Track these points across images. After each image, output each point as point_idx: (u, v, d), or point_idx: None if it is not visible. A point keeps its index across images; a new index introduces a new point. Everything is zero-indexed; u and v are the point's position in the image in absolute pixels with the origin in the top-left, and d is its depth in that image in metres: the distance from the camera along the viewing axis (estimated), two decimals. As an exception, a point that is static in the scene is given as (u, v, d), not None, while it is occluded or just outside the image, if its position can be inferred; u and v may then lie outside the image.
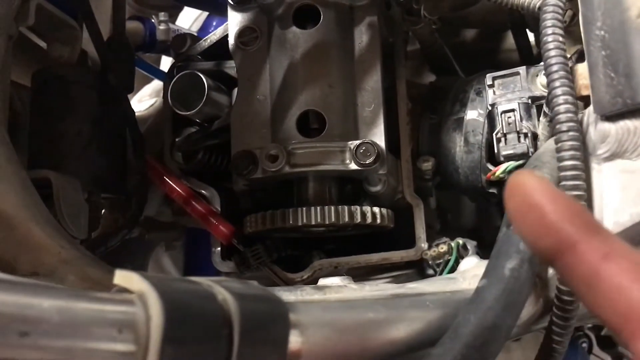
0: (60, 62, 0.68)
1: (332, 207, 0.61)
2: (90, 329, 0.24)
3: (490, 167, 0.64)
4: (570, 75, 0.46)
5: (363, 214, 0.63)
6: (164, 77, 0.80)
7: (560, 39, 0.47)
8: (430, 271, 0.67)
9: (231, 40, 0.67)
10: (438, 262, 0.65)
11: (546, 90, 0.50)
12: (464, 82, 0.71)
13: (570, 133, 0.44)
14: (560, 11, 0.48)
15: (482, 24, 0.84)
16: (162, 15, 0.92)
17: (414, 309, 0.42)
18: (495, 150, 0.62)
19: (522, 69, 0.62)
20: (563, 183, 0.44)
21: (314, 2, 0.64)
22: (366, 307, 0.40)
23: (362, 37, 0.66)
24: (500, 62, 0.84)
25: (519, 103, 0.61)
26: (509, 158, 0.60)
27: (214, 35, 0.73)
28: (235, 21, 0.68)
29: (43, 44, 0.70)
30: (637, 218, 0.44)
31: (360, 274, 0.71)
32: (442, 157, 0.69)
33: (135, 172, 0.71)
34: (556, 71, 0.45)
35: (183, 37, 0.75)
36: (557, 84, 0.45)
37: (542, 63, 0.48)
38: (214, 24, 1.08)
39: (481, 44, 0.87)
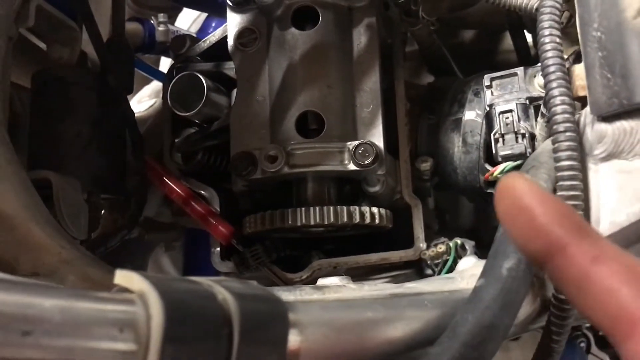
0: (60, 63, 0.68)
1: (331, 208, 0.62)
2: (91, 329, 0.24)
3: (488, 167, 0.64)
4: (567, 76, 0.46)
5: (362, 214, 0.63)
6: (163, 78, 0.80)
7: (557, 40, 0.47)
8: (429, 271, 0.68)
9: (230, 42, 0.68)
10: (436, 262, 0.65)
11: (544, 91, 0.51)
12: (462, 82, 0.71)
13: (567, 134, 0.45)
14: (558, 12, 0.48)
15: (480, 25, 0.84)
16: (162, 17, 0.93)
17: (412, 308, 0.42)
18: (493, 151, 0.62)
19: (519, 70, 0.63)
20: (560, 183, 0.44)
21: (313, 3, 0.64)
22: (365, 306, 0.40)
23: (360, 38, 0.66)
24: (498, 62, 0.84)
25: (516, 104, 0.61)
26: (506, 158, 0.61)
27: (213, 37, 0.74)
28: (234, 22, 0.68)
29: (43, 45, 0.70)
30: (633, 218, 0.45)
31: (359, 274, 0.71)
32: (441, 158, 0.69)
33: (134, 172, 0.71)
34: (553, 72, 0.46)
35: (182, 38, 0.76)
36: (554, 84, 0.45)
37: (539, 64, 0.48)
38: (213, 25, 1.08)
39: (479, 45, 0.87)
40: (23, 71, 0.68)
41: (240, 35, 0.67)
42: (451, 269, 0.64)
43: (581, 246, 0.27)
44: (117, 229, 0.71)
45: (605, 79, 0.44)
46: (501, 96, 0.63)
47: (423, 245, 0.66)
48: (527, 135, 0.60)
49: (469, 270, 0.57)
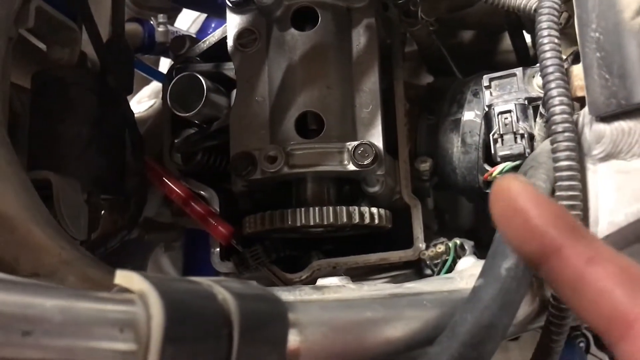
0: (60, 64, 0.68)
1: (331, 208, 0.62)
2: (91, 329, 0.24)
3: (488, 167, 0.64)
4: (566, 76, 0.46)
5: (361, 215, 0.63)
6: (163, 78, 0.80)
7: (556, 40, 0.47)
8: (428, 271, 0.68)
9: (230, 42, 0.68)
10: (436, 262, 0.65)
11: (542, 92, 0.51)
12: (461, 83, 0.71)
13: (566, 134, 0.45)
14: (556, 13, 0.49)
15: (479, 26, 0.84)
16: (161, 17, 0.93)
17: (411, 308, 0.42)
18: (492, 151, 0.62)
19: (518, 70, 0.63)
20: (559, 183, 0.45)
21: (312, 4, 0.64)
22: (364, 306, 0.40)
23: (359, 38, 0.66)
24: (497, 63, 0.84)
25: (515, 104, 0.62)
26: (505, 159, 0.61)
27: (212, 37, 0.74)
28: (233, 23, 0.68)
29: (42, 46, 0.70)
30: (632, 218, 0.45)
31: (359, 274, 0.71)
32: (440, 158, 0.69)
33: (134, 173, 0.71)
34: (552, 73, 0.46)
35: (182, 39, 0.76)
36: (552, 85, 0.46)
37: (538, 64, 0.48)
38: (213, 25, 1.08)
39: (478, 46, 0.87)
40: (23, 72, 0.69)
41: (239, 36, 0.67)
42: (450, 269, 0.64)
43: (576, 248, 0.27)
44: (117, 230, 0.71)
45: (603, 79, 0.44)
46: (500, 96, 0.63)
47: (422, 245, 0.66)
48: (525, 135, 0.60)
49: (468, 270, 0.57)
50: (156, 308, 0.25)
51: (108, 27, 0.76)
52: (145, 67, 0.92)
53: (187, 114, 0.67)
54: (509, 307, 0.40)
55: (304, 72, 0.64)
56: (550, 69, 0.46)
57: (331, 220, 0.61)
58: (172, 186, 0.71)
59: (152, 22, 0.93)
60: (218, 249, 0.70)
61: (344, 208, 0.62)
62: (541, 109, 0.58)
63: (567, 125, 0.45)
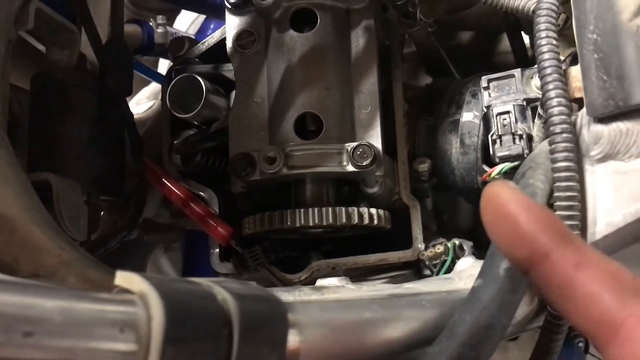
0: (59, 65, 0.69)
1: (330, 209, 0.62)
2: (92, 329, 0.24)
3: (486, 168, 0.64)
4: (564, 77, 0.46)
5: (360, 215, 0.63)
6: (162, 79, 0.80)
7: (554, 42, 0.47)
8: (427, 271, 0.68)
9: (229, 44, 0.68)
10: (435, 262, 0.66)
11: (541, 93, 0.51)
12: (460, 84, 0.71)
13: (564, 135, 0.45)
14: (554, 14, 0.49)
15: (477, 27, 0.85)
16: (160, 19, 0.93)
17: (410, 308, 0.42)
18: (491, 152, 0.62)
19: (517, 72, 0.63)
20: (557, 184, 0.45)
21: (311, 5, 0.65)
22: (363, 306, 0.40)
23: (358, 40, 0.66)
24: (495, 64, 0.84)
25: (514, 105, 0.62)
26: (504, 159, 0.61)
27: (211, 39, 0.74)
28: (233, 24, 0.68)
29: (42, 48, 0.70)
30: (629, 219, 0.45)
31: (358, 275, 0.71)
32: (439, 159, 0.69)
33: (133, 174, 0.71)
34: (550, 74, 0.46)
35: (181, 40, 0.76)
36: (550, 86, 0.46)
37: (536, 65, 0.48)
38: (212, 27, 1.08)
39: (477, 47, 0.87)
40: (22, 73, 0.69)
41: (238, 37, 0.67)
42: (449, 270, 0.64)
43: (564, 253, 0.28)
44: (117, 231, 0.71)
45: (601, 80, 0.44)
46: (498, 97, 0.63)
47: (421, 245, 0.66)
48: (524, 136, 0.60)
49: (467, 270, 0.57)
50: (156, 309, 0.25)
51: (107, 28, 0.76)
52: (144, 68, 0.92)
53: (186, 115, 0.67)
54: (507, 307, 0.40)
55: (303, 74, 0.64)
56: (548, 70, 0.46)
57: (330, 220, 0.62)
58: (172, 187, 0.71)
59: (151, 24, 0.93)
60: (217, 250, 0.70)
61: (343, 209, 0.62)
62: (539, 110, 0.58)
63: (565, 126, 0.45)
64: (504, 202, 0.29)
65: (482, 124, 0.65)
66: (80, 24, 0.69)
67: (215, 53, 0.73)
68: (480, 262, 0.54)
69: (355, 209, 0.63)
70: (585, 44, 0.46)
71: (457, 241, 0.66)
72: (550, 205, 0.45)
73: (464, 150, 0.67)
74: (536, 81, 0.62)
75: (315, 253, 0.70)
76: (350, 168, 0.62)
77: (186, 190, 0.71)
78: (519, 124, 0.61)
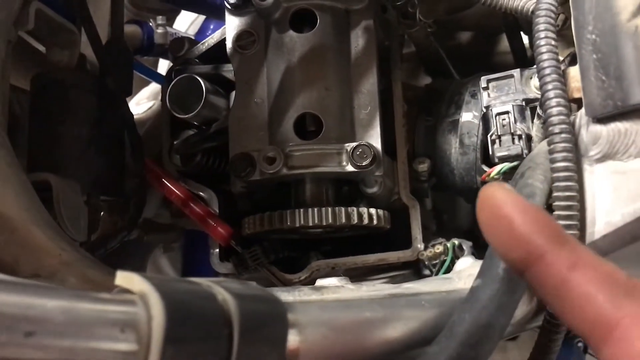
0: (59, 66, 0.69)
1: (329, 209, 0.62)
2: (93, 329, 0.25)
3: (486, 168, 0.64)
4: (563, 78, 0.47)
5: (360, 215, 0.63)
6: (162, 80, 0.80)
7: (553, 42, 0.47)
8: (427, 271, 0.68)
9: (229, 44, 0.68)
10: (434, 262, 0.66)
11: (540, 93, 0.51)
12: (459, 84, 0.71)
13: (563, 135, 0.45)
14: (553, 15, 0.49)
15: (476, 27, 0.85)
16: (160, 19, 0.93)
17: (410, 308, 0.43)
18: (490, 152, 0.62)
19: (516, 72, 0.63)
20: (556, 184, 0.45)
21: (311, 6, 0.65)
22: (363, 306, 0.40)
23: (358, 40, 0.66)
24: (494, 64, 0.85)
25: (513, 105, 0.62)
26: (503, 159, 0.61)
27: (211, 39, 0.74)
28: (232, 25, 0.68)
29: (42, 48, 0.70)
30: (628, 218, 0.45)
31: (358, 275, 0.71)
32: (438, 159, 0.69)
33: (133, 174, 0.72)
34: (549, 74, 0.46)
35: (181, 41, 0.76)
36: (549, 87, 0.46)
37: (535, 66, 0.49)
38: (211, 27, 1.08)
39: (476, 47, 0.87)
40: (22, 74, 0.69)
41: (238, 37, 0.68)
42: (449, 270, 0.64)
43: (559, 254, 0.28)
44: (117, 231, 0.71)
45: (600, 81, 0.45)
46: (498, 98, 0.63)
47: (421, 245, 0.67)
48: (523, 136, 0.60)
49: (467, 270, 0.57)
50: (157, 309, 0.25)
51: (107, 29, 0.76)
52: (144, 68, 0.92)
53: (186, 116, 0.67)
54: (506, 307, 0.40)
55: (302, 74, 0.64)
56: (547, 71, 0.46)
57: (330, 220, 0.62)
58: (172, 187, 0.72)
59: (150, 24, 0.93)
60: (217, 250, 0.70)
61: (343, 209, 0.62)
62: (539, 110, 0.58)
63: (564, 126, 0.45)
64: (500, 203, 0.29)
65: (481, 124, 0.66)
66: (80, 25, 0.69)
67: (215, 53, 0.73)
68: (479, 262, 0.54)
69: (355, 209, 0.63)
70: (584, 44, 0.46)
71: (456, 241, 0.66)
72: (549, 205, 0.45)
73: (463, 151, 0.67)
74: (535, 81, 0.62)
75: (315, 253, 0.70)
76: (349, 168, 0.62)
77: (186, 190, 0.72)
78: (518, 124, 0.61)
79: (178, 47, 0.75)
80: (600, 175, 0.47)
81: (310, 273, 0.67)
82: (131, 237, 0.75)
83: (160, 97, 0.78)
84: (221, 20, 0.70)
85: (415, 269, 0.71)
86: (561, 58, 0.50)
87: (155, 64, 1.11)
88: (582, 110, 0.48)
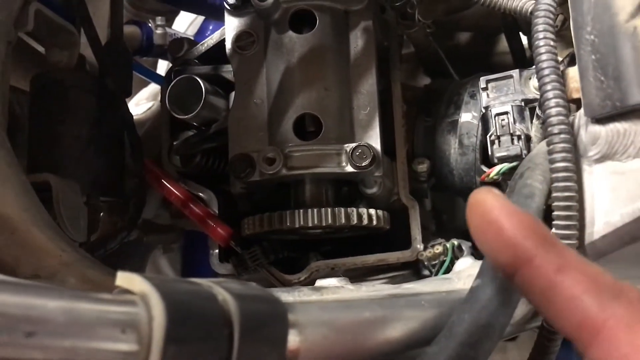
0: (59, 66, 0.69)
1: (329, 209, 0.62)
2: (94, 329, 0.25)
3: (485, 168, 0.65)
4: (562, 78, 0.47)
5: (359, 216, 0.63)
6: (161, 80, 0.80)
7: (552, 43, 0.47)
8: (426, 272, 0.68)
9: (228, 45, 0.68)
10: (433, 262, 0.66)
11: (539, 93, 0.51)
12: (458, 85, 0.72)
13: (562, 135, 0.45)
14: (552, 16, 0.49)
15: (475, 28, 0.85)
16: (159, 20, 0.93)
17: (409, 308, 0.43)
18: (489, 152, 0.62)
19: (515, 72, 0.63)
20: (555, 184, 0.45)
21: (310, 7, 0.65)
22: (363, 306, 0.40)
23: (357, 41, 0.66)
24: (494, 65, 0.85)
25: (512, 105, 0.62)
26: (502, 160, 0.61)
27: (210, 40, 0.74)
28: (232, 26, 0.68)
29: (41, 49, 0.71)
30: (627, 218, 0.45)
31: (357, 275, 0.71)
32: (437, 159, 0.70)
33: (133, 175, 0.72)
34: (547, 75, 0.46)
35: (180, 42, 0.76)
36: (548, 87, 0.46)
37: (534, 66, 0.49)
38: (211, 28, 1.08)
39: (475, 47, 0.88)
40: (22, 75, 0.69)
41: (238, 38, 0.68)
42: (448, 270, 0.64)
43: (547, 257, 0.28)
44: (116, 231, 0.71)
45: (598, 81, 0.45)
46: (497, 98, 0.63)
47: (420, 246, 0.67)
48: (522, 136, 0.60)
49: (466, 270, 0.57)
50: (158, 309, 0.26)
51: (106, 29, 0.76)
52: (143, 69, 0.93)
53: (186, 117, 0.67)
54: (506, 307, 0.40)
55: (302, 75, 0.64)
56: (546, 71, 0.46)
57: (329, 221, 0.62)
58: (171, 188, 0.72)
59: (150, 25, 0.93)
60: (217, 251, 0.70)
61: (342, 209, 0.63)
62: (538, 111, 0.58)
63: (563, 127, 0.45)
64: (489, 208, 0.29)
65: (480, 124, 0.66)
66: (79, 26, 0.69)
67: (214, 54, 0.73)
68: (478, 263, 0.55)
69: (354, 209, 0.63)
70: (583, 45, 0.46)
71: (455, 241, 0.66)
72: (548, 205, 0.45)
73: (462, 151, 0.67)
74: (534, 82, 0.62)
75: (315, 254, 0.71)
76: (349, 169, 0.62)
77: (186, 191, 0.72)
78: (517, 124, 0.61)
79: (177, 48, 0.75)
80: (599, 175, 0.47)
81: (309, 273, 0.68)
82: (131, 237, 0.75)
83: (159, 98, 0.79)
84: (220, 20, 0.70)
85: (415, 270, 0.71)
86: (560, 58, 0.50)
87: (155, 65, 1.11)
88: (581, 110, 0.48)
